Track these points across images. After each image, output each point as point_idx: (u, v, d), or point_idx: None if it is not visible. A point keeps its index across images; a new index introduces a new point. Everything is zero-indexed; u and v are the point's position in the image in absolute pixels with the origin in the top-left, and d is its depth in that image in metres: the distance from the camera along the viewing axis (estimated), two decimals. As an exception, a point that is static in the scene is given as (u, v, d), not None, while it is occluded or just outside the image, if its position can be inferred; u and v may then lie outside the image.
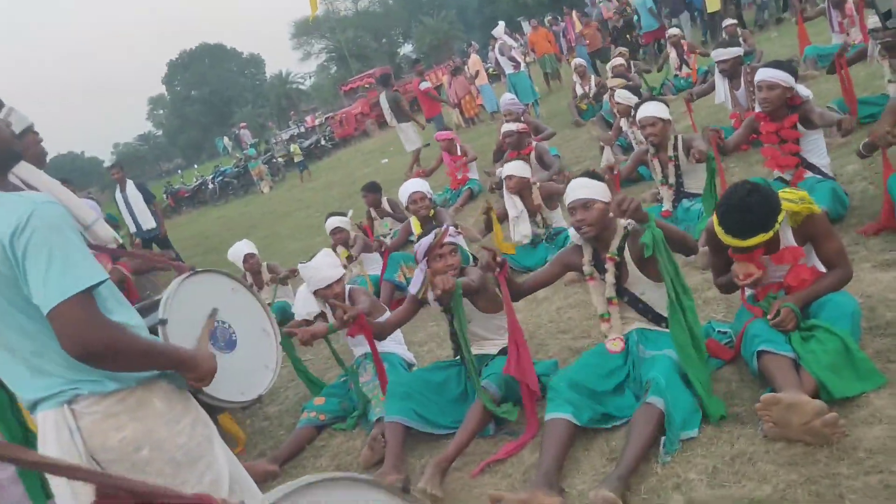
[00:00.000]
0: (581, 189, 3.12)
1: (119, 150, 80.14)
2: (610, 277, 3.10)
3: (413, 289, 3.51)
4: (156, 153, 79.04)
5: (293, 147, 22.50)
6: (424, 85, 13.82)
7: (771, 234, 2.71)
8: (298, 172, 20.23)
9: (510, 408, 3.23)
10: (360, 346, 4.10)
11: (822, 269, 2.93)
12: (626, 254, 3.08)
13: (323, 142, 26.23)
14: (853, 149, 4.65)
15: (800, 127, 4.35)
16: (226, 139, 32.14)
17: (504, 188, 5.66)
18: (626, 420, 2.88)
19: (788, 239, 2.88)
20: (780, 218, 2.73)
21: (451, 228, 3.66)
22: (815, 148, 4.39)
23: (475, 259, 5.77)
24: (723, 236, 2.78)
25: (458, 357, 3.55)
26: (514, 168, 5.63)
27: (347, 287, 4.16)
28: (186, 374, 1.91)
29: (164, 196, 25.02)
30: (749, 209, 2.68)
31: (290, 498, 0.96)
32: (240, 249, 6.40)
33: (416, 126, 12.41)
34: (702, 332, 2.89)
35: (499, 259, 3.05)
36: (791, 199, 2.82)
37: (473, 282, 3.36)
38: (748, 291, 3.08)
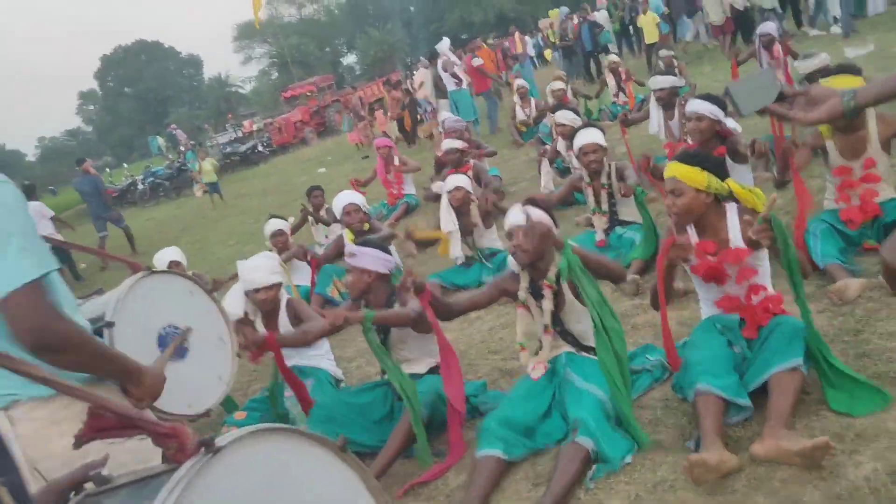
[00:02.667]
0: (519, 215, 3.10)
1: (45, 144, 76.76)
2: (548, 304, 3.09)
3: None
4: (84, 149, 76.00)
5: (205, 163, 16.92)
6: (477, 61, 13.87)
7: (706, 178, 2.83)
8: (209, 196, 16.65)
9: (426, 451, 3.09)
10: (290, 359, 4.00)
11: (769, 287, 2.97)
12: (564, 284, 3.08)
13: (260, 148, 25.79)
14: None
15: (727, 160, 4.49)
16: (160, 139, 31.20)
17: (445, 201, 5.63)
18: (553, 444, 2.89)
19: (736, 236, 2.91)
20: (726, 184, 2.84)
21: (349, 248, 3.52)
22: (742, 181, 4.52)
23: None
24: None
25: (386, 376, 3.49)
26: (461, 181, 5.61)
27: (285, 297, 4.04)
28: (129, 387, 1.78)
29: (91, 195, 24.04)
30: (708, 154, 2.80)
31: (237, 444, 0.99)
32: (165, 257, 6.17)
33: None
34: (628, 356, 2.90)
35: (413, 281, 2.94)
36: (739, 187, 2.93)
37: (414, 312, 3.20)
38: (707, 311, 3.12)
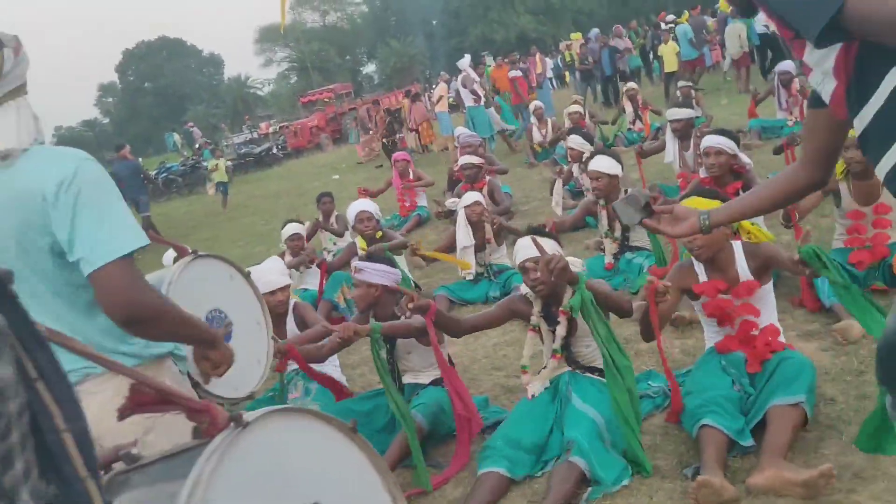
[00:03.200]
0: (528, 249, 3.11)
1: (61, 133, 77.40)
2: (561, 331, 3.10)
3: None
4: (100, 141, 76.63)
5: (217, 163, 16.55)
6: (513, 73, 14.37)
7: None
8: (221, 196, 16.09)
9: (423, 472, 3.05)
10: (295, 364, 4.05)
11: (776, 322, 3.02)
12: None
13: (275, 150, 25.95)
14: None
15: (742, 195, 4.54)
16: (176, 135, 31.43)
17: (462, 216, 5.70)
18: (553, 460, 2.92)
19: (744, 269, 2.98)
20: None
21: (355, 263, 3.59)
22: (755, 218, 4.57)
23: (418, 287, 5.79)
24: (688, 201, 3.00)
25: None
26: (479, 197, 5.72)
27: (292, 301, 4.10)
28: (209, 352, 1.84)
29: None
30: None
31: (263, 420, 1.10)
32: (172, 255, 6.24)
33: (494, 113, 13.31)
34: (636, 390, 2.93)
35: (416, 304, 2.97)
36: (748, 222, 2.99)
37: (417, 323, 3.23)
38: (711, 340, 3.15)
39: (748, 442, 2.68)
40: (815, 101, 1.78)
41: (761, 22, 12.50)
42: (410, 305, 2.97)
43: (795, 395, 2.64)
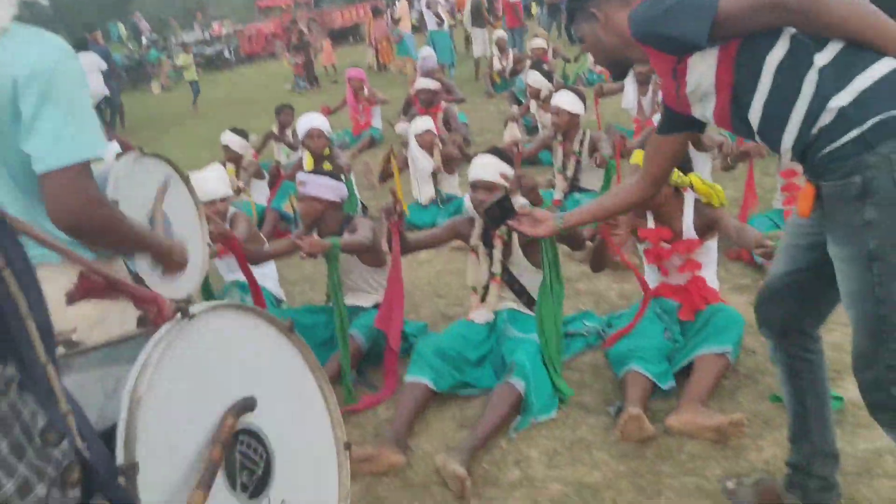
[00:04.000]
0: (486, 168, 3.17)
1: (-5, 9, 72.25)
2: (497, 254, 3.19)
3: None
4: (38, 23, 71.83)
5: (183, 58, 16.31)
6: None
7: (676, 176, 2.95)
8: (192, 95, 15.49)
9: (349, 389, 3.11)
10: (231, 273, 4.00)
11: (714, 283, 3.12)
12: (515, 236, 3.17)
13: (227, 54, 24.91)
14: (734, 175, 5.01)
15: (689, 146, 4.61)
16: (122, 25, 29.73)
17: (414, 143, 5.66)
18: (482, 390, 3.00)
19: (689, 225, 3.05)
20: (689, 177, 2.97)
21: (300, 176, 3.53)
22: (702, 170, 4.66)
23: (364, 207, 5.75)
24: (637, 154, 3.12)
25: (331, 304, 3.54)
26: (429, 123, 5.68)
27: (231, 210, 4.02)
28: (163, 262, 1.79)
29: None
30: None
31: (209, 313, 1.15)
32: (113, 150, 5.99)
33: (487, 35, 12.82)
34: (562, 318, 3.03)
35: (399, 209, 3.05)
36: (700, 181, 3.06)
37: (367, 239, 3.28)
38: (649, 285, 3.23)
39: (669, 385, 2.80)
40: (662, 128, 2.06)
41: None
42: (397, 207, 3.00)
43: (722, 346, 2.76)
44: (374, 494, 2.50)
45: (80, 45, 11.44)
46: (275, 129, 7.22)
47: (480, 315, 3.23)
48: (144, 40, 24.86)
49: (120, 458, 0.93)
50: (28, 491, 0.71)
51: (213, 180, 3.92)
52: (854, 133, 1.50)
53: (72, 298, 1.11)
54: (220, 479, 1.08)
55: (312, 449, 1.32)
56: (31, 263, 0.76)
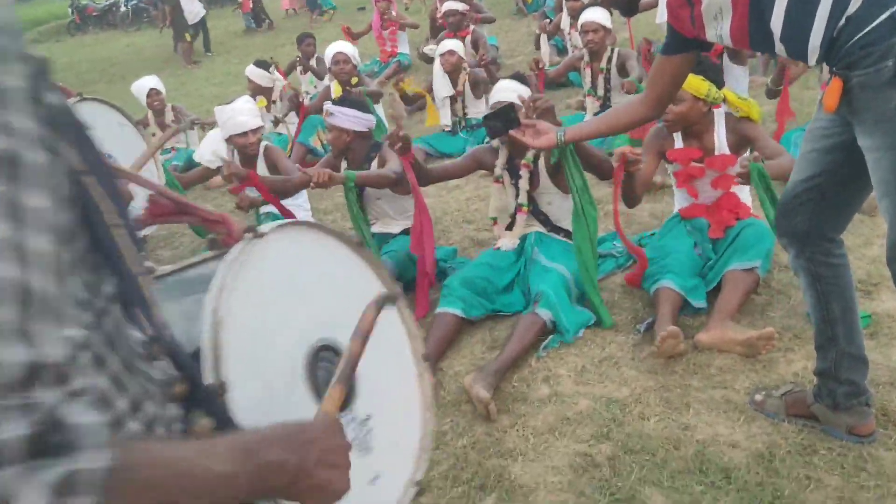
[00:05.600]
0: (505, 92, 3.12)
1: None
2: (524, 184, 3.15)
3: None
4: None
5: None
6: None
7: (707, 87, 2.87)
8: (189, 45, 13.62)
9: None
10: (267, 207, 4.05)
11: (748, 199, 3.06)
12: (541, 162, 3.13)
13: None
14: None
15: (725, 59, 4.45)
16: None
17: (439, 66, 5.55)
18: (511, 314, 3.04)
19: (722, 143, 2.98)
20: (722, 93, 2.89)
21: (327, 106, 3.50)
22: (737, 85, 4.51)
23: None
24: None
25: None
26: (455, 45, 5.53)
27: (265, 143, 4.03)
28: None
29: (70, 11, 22.95)
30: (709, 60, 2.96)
31: (277, 231, 1.15)
32: (145, 84, 6.02)
33: None
34: (596, 242, 2.99)
35: (401, 134, 2.99)
36: (735, 96, 2.97)
37: (395, 173, 3.24)
38: (679, 205, 3.19)
39: (700, 303, 2.80)
40: (666, 48, 2.01)
41: None
42: (401, 133, 2.96)
43: (751, 261, 2.73)
44: (406, 412, 2.58)
45: None
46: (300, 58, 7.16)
47: (506, 243, 3.23)
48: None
49: (209, 377, 0.94)
50: (138, 408, 0.71)
51: (244, 112, 3.92)
52: (885, 15, 1.44)
53: (144, 223, 1.12)
54: (307, 394, 1.09)
55: (393, 362, 1.35)
56: (111, 169, 0.73)
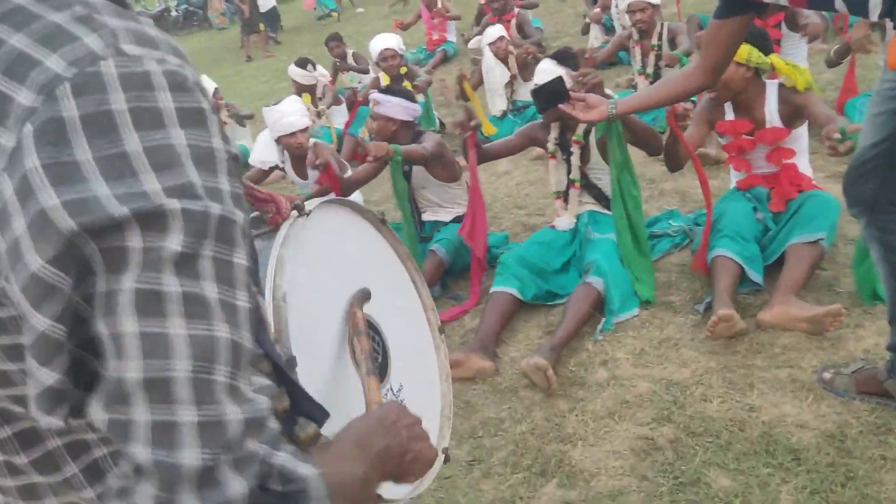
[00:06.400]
0: (546, 74, 3.06)
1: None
2: (575, 160, 3.12)
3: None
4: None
5: None
6: None
7: (748, 51, 2.74)
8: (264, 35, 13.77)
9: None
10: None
11: (807, 171, 2.93)
12: (591, 137, 3.08)
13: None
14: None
15: (784, 27, 4.29)
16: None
17: (489, 55, 5.54)
18: (566, 296, 3.00)
19: (773, 115, 2.87)
20: (769, 59, 2.79)
21: (374, 96, 3.53)
22: (796, 52, 4.35)
23: (442, 124, 5.71)
24: None
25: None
26: (501, 31, 5.54)
27: (312, 140, 4.08)
28: None
29: (124, 19, 23.55)
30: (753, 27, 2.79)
31: (319, 209, 1.19)
32: (206, 86, 6.16)
33: None
34: (643, 220, 2.95)
35: (473, 122, 3.04)
36: (783, 62, 2.86)
37: (426, 150, 3.29)
38: (736, 179, 3.10)
39: (757, 276, 2.70)
40: (719, 11, 1.93)
41: None
42: (472, 122, 3.02)
43: (815, 233, 2.63)
44: (463, 399, 2.58)
45: None
46: (338, 62, 7.18)
47: (562, 222, 3.20)
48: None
49: (281, 353, 0.96)
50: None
51: (292, 113, 3.96)
52: None
53: None
54: (352, 369, 1.12)
55: (413, 334, 1.39)
56: None
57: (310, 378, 0.97)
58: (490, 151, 3.33)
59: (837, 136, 2.17)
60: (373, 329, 1.20)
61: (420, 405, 1.29)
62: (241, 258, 0.57)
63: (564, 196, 3.23)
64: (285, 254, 1.05)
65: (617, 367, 2.56)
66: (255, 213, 1.17)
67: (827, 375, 2.20)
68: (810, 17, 4.32)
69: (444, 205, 3.59)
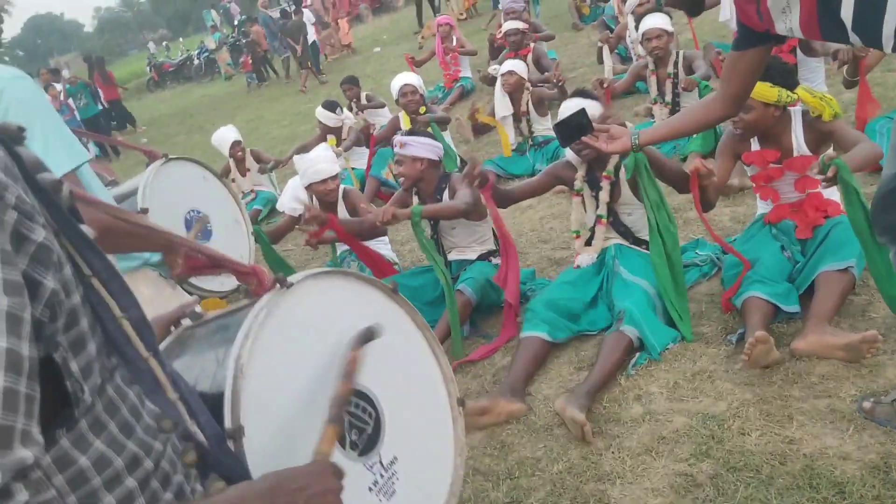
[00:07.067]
0: (572, 110, 3.07)
1: (101, 14, 76.59)
2: (604, 196, 3.13)
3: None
4: (139, 21, 75.82)
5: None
6: None
7: (777, 93, 2.75)
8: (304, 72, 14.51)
9: (458, 345, 3.16)
10: (343, 244, 4.15)
11: (834, 195, 2.89)
12: (622, 173, 3.10)
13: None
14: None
15: (799, 53, 4.31)
16: (214, 13, 30.83)
17: (499, 86, 5.59)
18: (597, 332, 3.00)
19: (800, 143, 2.87)
20: (796, 93, 2.79)
21: (398, 138, 3.56)
22: (813, 76, 4.35)
23: (463, 162, 5.77)
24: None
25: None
26: (516, 66, 5.57)
27: (342, 188, 4.13)
28: (170, 258, 1.92)
29: (148, 69, 24.28)
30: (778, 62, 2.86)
31: (305, 281, 1.20)
32: (227, 137, 6.30)
33: None
34: (681, 258, 2.93)
35: (477, 170, 3.03)
36: (810, 94, 2.86)
37: (466, 204, 3.27)
38: (762, 207, 3.09)
39: (793, 308, 2.68)
40: (737, 44, 1.96)
41: None
42: (476, 171, 3.00)
43: (845, 260, 2.61)
44: (498, 440, 2.58)
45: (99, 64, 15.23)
46: (352, 105, 7.27)
47: (585, 258, 3.20)
48: (236, 21, 25.59)
49: (227, 422, 0.99)
50: (137, 465, 0.77)
51: (323, 160, 4.04)
52: None
53: (180, 277, 1.20)
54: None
55: (425, 406, 1.36)
56: (116, 270, 0.81)
57: (269, 449, 0.99)
58: (515, 194, 3.36)
59: (818, 174, 2.37)
60: (365, 400, 1.21)
61: (421, 480, 1.30)
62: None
63: (590, 236, 3.23)
64: (252, 326, 1.08)
65: (651, 402, 2.54)
66: (238, 286, 1.20)
67: (867, 405, 2.17)
68: (825, 42, 4.33)
69: (471, 244, 3.61)
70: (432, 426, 1.37)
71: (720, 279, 3.09)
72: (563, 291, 3.07)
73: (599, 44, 7.05)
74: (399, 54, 12.23)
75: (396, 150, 3.56)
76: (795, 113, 2.89)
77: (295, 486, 0.83)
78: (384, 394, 1.23)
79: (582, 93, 3.25)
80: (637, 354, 2.78)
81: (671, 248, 2.83)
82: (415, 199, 3.59)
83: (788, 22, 1.73)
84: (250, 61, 17.11)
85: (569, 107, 3.16)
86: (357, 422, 1.18)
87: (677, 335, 2.84)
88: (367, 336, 1.15)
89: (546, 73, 6.63)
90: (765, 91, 2.75)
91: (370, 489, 1.20)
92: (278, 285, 1.15)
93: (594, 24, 9.73)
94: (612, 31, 8.17)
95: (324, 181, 3.99)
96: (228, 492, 0.83)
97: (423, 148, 3.48)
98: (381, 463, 1.22)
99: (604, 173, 3.12)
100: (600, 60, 7.42)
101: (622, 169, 3.09)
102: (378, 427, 1.21)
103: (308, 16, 15.49)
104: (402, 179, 3.59)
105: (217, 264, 1.19)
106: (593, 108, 3.09)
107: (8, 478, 0.56)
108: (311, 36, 14.86)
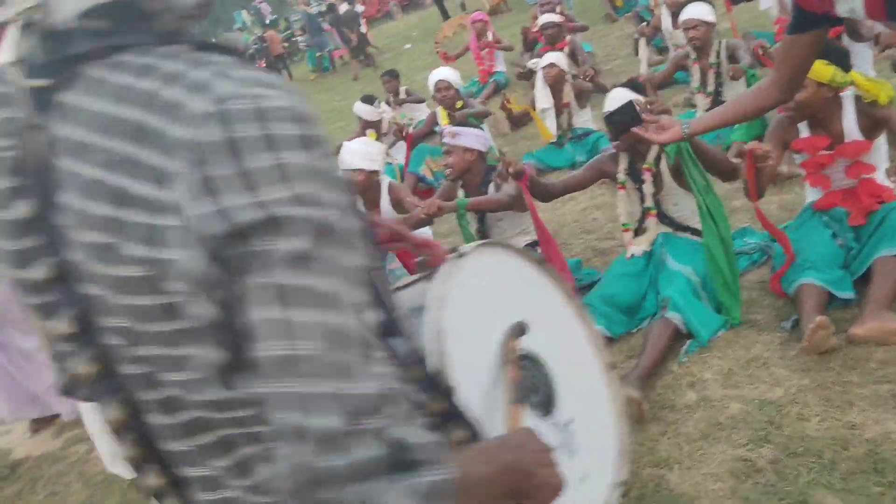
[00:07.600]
0: (618, 101, 3.05)
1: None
2: (648, 188, 3.12)
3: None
4: (170, 24, 76.47)
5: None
6: None
7: (832, 72, 2.72)
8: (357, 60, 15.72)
9: None
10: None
11: (885, 181, 2.86)
12: (663, 164, 3.09)
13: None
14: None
15: (845, 38, 4.23)
16: (245, 13, 31.13)
17: (540, 78, 5.59)
18: (647, 321, 3.00)
19: (852, 128, 2.84)
20: (850, 76, 2.76)
21: (449, 128, 3.58)
22: (860, 62, 4.27)
23: (503, 155, 5.78)
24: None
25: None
26: (557, 58, 5.56)
27: (387, 180, 4.10)
28: None
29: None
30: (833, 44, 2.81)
31: (476, 251, 1.27)
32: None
33: None
34: (732, 241, 2.91)
35: (512, 170, 3.05)
36: (863, 78, 2.82)
37: (509, 196, 3.30)
38: (811, 195, 3.06)
39: (847, 294, 2.65)
40: (793, 26, 1.89)
41: None
42: (510, 169, 3.01)
43: None
44: (553, 426, 2.59)
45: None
46: (389, 99, 7.30)
47: (636, 249, 3.20)
48: (267, 21, 25.85)
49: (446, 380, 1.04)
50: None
51: (354, 153, 3.94)
52: None
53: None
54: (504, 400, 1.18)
55: (584, 371, 1.42)
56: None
57: (470, 406, 1.04)
58: (557, 189, 3.37)
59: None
60: (535, 362, 1.26)
61: (594, 439, 1.35)
62: (356, 260, 0.69)
63: (637, 226, 3.23)
64: (444, 291, 1.14)
65: (706, 389, 2.54)
66: (419, 259, 1.26)
67: (930, 390, 2.15)
68: (875, 26, 4.27)
69: (517, 234, 3.63)
70: (593, 389, 1.43)
71: (770, 267, 3.07)
72: (620, 284, 3.08)
73: (636, 35, 7.01)
74: (429, 51, 12.26)
75: (447, 140, 3.56)
76: (847, 98, 2.85)
77: (516, 443, 0.89)
78: (551, 357, 1.28)
79: (627, 83, 3.25)
80: (687, 342, 2.77)
81: (724, 232, 2.82)
82: (461, 194, 3.61)
83: (851, 2, 1.71)
84: (264, 65, 17.39)
85: (613, 95, 3.16)
86: (534, 384, 1.24)
87: (725, 321, 2.83)
88: (520, 330, 1.21)
89: (582, 68, 6.62)
90: (820, 69, 2.72)
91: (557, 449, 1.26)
92: (453, 255, 1.22)
93: (628, 15, 9.65)
94: (647, 22, 8.11)
95: (352, 171, 3.87)
96: (480, 444, 0.90)
97: (473, 138, 3.50)
98: (560, 424, 1.27)
99: (644, 165, 3.12)
100: (636, 52, 7.38)
101: (662, 160, 3.08)
102: (550, 388, 1.27)
103: (359, 7, 16.19)
104: (448, 171, 3.61)
105: (397, 238, 1.24)
106: (637, 98, 3.09)
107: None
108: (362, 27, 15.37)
